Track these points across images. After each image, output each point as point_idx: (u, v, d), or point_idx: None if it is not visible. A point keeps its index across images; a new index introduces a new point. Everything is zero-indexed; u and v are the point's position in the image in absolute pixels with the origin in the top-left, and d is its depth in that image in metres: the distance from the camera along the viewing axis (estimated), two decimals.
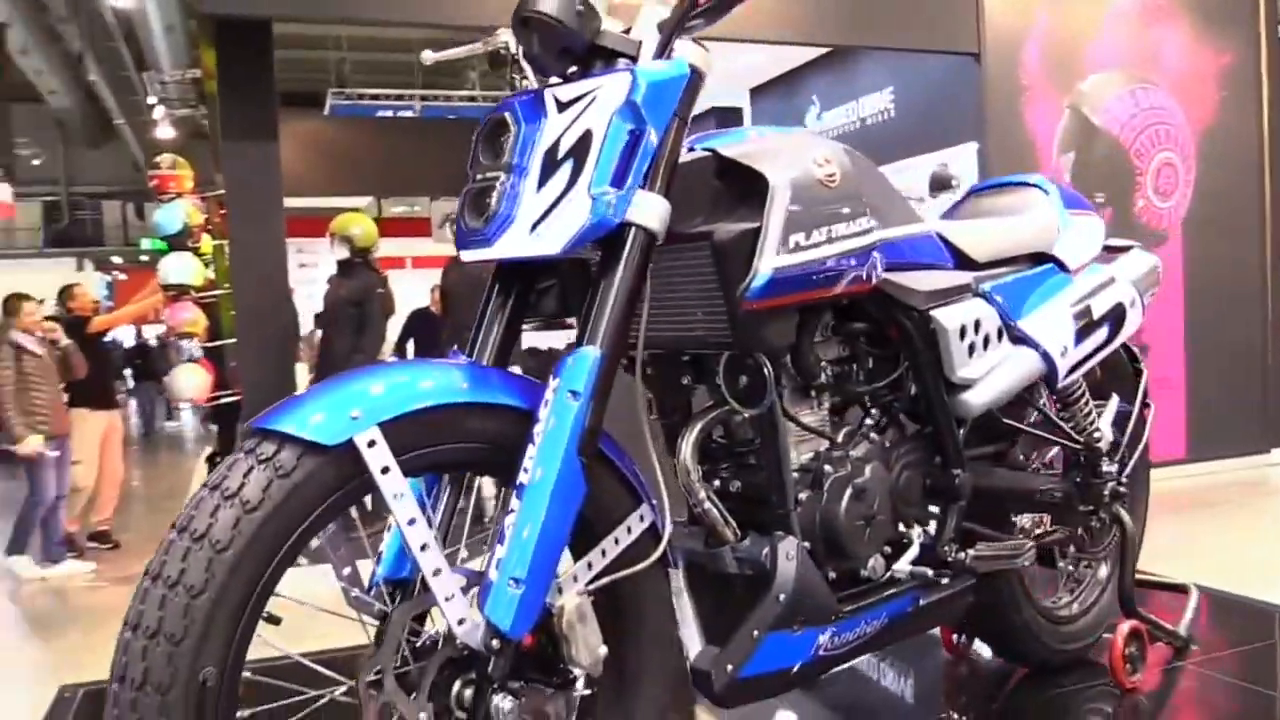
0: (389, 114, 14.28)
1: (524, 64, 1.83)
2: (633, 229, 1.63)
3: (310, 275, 11.54)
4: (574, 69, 1.76)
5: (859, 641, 2.00)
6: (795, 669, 1.89)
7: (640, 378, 1.90)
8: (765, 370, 1.85)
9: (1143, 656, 2.59)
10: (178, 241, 7.34)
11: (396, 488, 1.46)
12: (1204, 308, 7.31)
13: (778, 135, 1.93)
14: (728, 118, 9.86)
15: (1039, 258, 2.45)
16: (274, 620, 1.46)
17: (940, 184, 7.16)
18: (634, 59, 1.72)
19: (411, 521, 1.48)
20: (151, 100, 15.66)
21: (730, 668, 1.79)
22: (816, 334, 1.99)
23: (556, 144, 1.67)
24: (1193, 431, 7.30)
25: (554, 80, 1.78)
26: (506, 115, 1.75)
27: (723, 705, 1.86)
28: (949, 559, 2.14)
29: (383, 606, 1.61)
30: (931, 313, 2.07)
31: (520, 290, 1.80)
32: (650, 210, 1.63)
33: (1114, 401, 2.62)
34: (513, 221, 1.66)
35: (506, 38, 1.88)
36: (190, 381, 7.27)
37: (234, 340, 6.39)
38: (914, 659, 3.02)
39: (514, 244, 1.66)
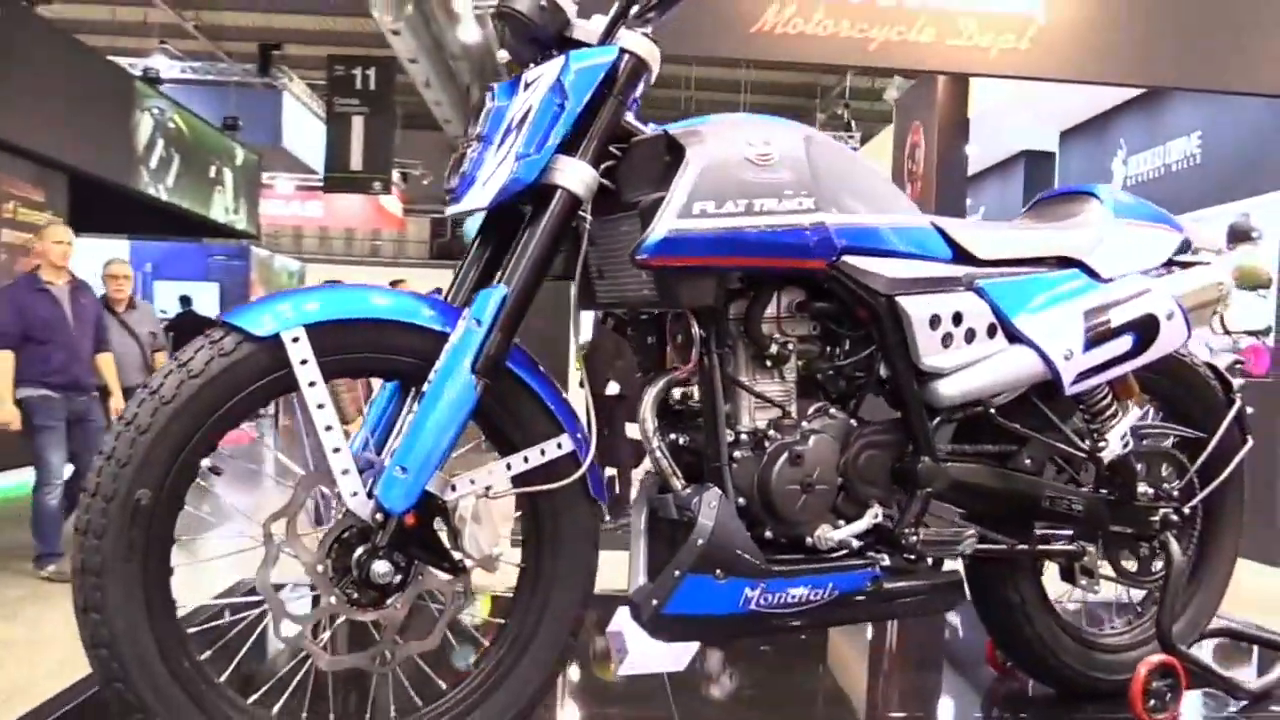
0: None
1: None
2: (558, 190, 1.86)
3: None
4: (552, 56, 1.98)
5: (802, 607, 2.03)
6: (726, 617, 1.97)
7: (574, 332, 2.19)
8: (694, 328, 1.99)
9: (1175, 695, 2.37)
10: None
11: (311, 376, 1.74)
12: None
13: (729, 119, 2.05)
14: (1038, 160, 9.54)
15: (1066, 263, 2.36)
16: (216, 471, 1.82)
17: (1239, 235, 6.62)
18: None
19: (320, 406, 1.75)
20: None
21: (655, 602, 1.93)
22: (778, 308, 2.07)
23: (513, 117, 1.93)
24: None
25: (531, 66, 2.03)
26: (487, 95, 2.04)
27: (653, 636, 2.00)
28: (903, 541, 2.15)
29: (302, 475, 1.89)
30: (898, 299, 2.09)
31: (496, 244, 2.02)
32: (574, 174, 1.85)
33: (1132, 414, 2.44)
34: (474, 181, 1.94)
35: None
36: None
37: None
38: (956, 672, 2.97)
39: (471, 199, 1.94)
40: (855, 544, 2.09)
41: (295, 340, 1.72)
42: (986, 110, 9.27)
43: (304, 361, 1.73)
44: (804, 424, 2.08)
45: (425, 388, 1.79)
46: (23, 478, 8.64)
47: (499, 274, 1.88)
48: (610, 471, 6.89)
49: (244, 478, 1.90)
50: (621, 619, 2.08)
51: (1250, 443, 2.59)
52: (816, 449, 2.05)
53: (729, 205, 1.88)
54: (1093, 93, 7.99)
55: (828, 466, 2.06)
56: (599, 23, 1.97)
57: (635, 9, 1.94)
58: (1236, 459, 2.57)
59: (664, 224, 1.83)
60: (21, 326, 5.73)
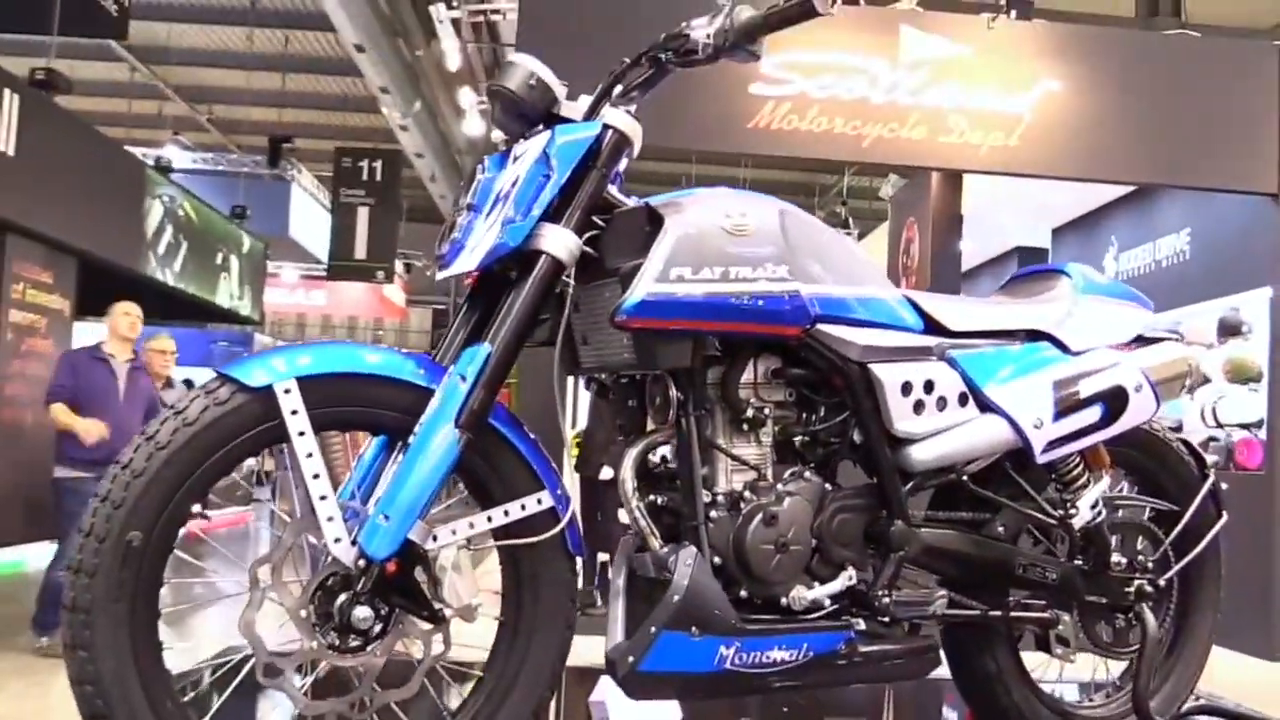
0: None
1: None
2: (542, 256, 1.96)
3: None
4: (540, 132, 2.11)
5: (779, 667, 2.06)
6: (702, 675, 2.01)
7: (557, 388, 2.12)
8: (671, 391, 2.08)
9: None
10: None
11: (300, 427, 1.82)
12: None
13: (709, 192, 2.15)
14: (1031, 257, 9.68)
15: (1035, 335, 2.44)
16: (204, 516, 1.87)
17: (1229, 329, 6.71)
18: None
19: (309, 455, 1.83)
20: None
21: (631, 659, 1.97)
22: (755, 374, 2.15)
23: (501, 188, 2.04)
24: None
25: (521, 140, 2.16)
26: (478, 167, 2.16)
27: (629, 694, 2.03)
28: (876, 603, 2.19)
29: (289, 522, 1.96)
30: (870, 366, 2.16)
31: (485, 307, 2.10)
32: (557, 240, 1.95)
33: (1102, 483, 2.49)
34: (464, 248, 2.03)
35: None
36: None
37: None
38: None
39: (459, 264, 2.03)
40: (829, 604, 2.13)
41: (287, 392, 1.80)
42: (979, 207, 9.43)
43: (294, 412, 1.80)
44: (779, 486, 2.13)
45: (410, 439, 1.86)
46: (17, 555, 8.70)
47: (485, 334, 1.96)
48: (603, 557, 6.89)
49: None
50: (604, 688, 2.12)
51: (1225, 518, 2.64)
52: (791, 510, 2.10)
53: (705, 271, 1.96)
54: (1083, 191, 8.14)
55: (802, 528, 2.11)
56: (585, 103, 2.08)
57: (619, 88, 2.07)
58: (1211, 533, 2.61)
59: (642, 287, 1.92)
60: (74, 390, 5.76)
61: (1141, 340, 2.56)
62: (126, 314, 6.05)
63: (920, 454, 2.22)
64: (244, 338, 19.92)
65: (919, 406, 2.21)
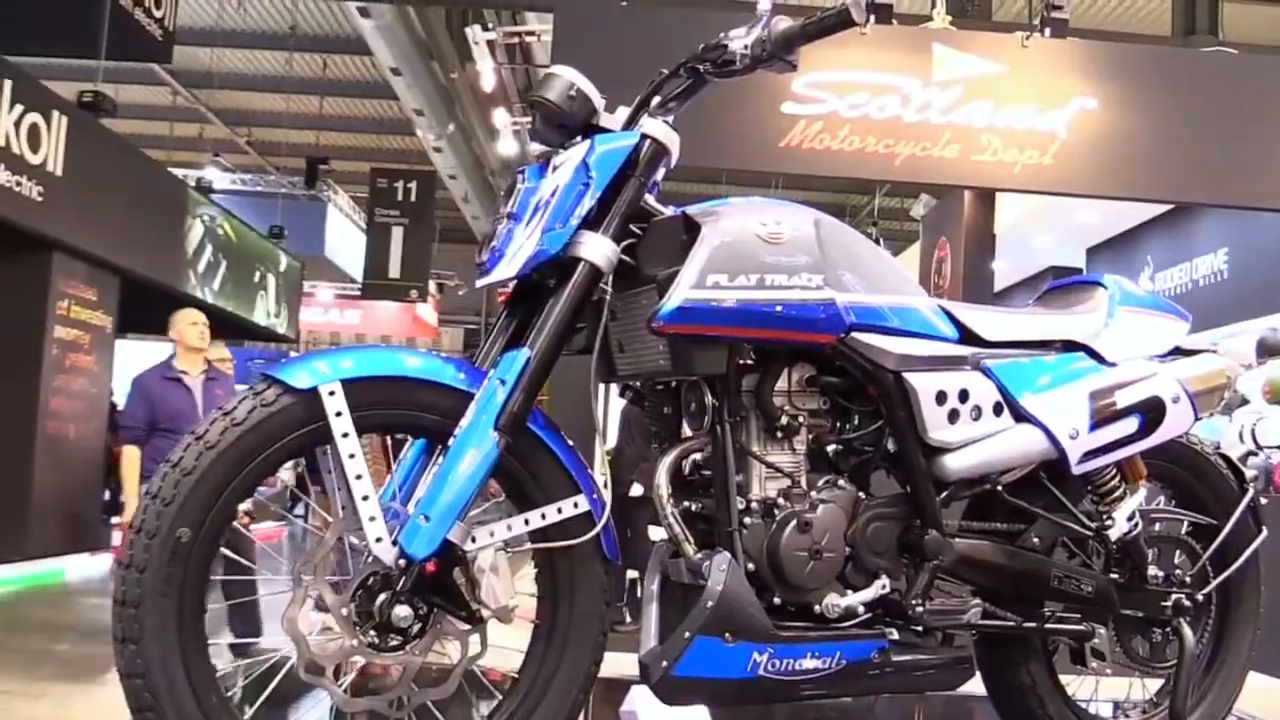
0: None
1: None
2: (581, 263, 1.98)
3: None
4: (579, 141, 2.14)
5: (811, 675, 2.07)
6: (734, 681, 2.02)
7: (595, 398, 2.22)
8: (706, 397, 2.09)
9: None
10: None
11: (344, 428, 1.85)
12: None
13: (745, 201, 2.17)
14: (1063, 276, 9.61)
15: (1072, 346, 2.43)
16: (250, 515, 1.90)
17: (1269, 349, 6.64)
18: None
19: (352, 456, 1.86)
20: None
21: (665, 664, 1.97)
22: (789, 381, 2.16)
23: (541, 197, 2.07)
24: None
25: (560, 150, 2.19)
26: (518, 176, 2.19)
27: (661, 700, 2.04)
28: (909, 612, 2.18)
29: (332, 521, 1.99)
30: (905, 375, 2.17)
31: (524, 313, 2.13)
32: (596, 248, 1.98)
33: (1140, 493, 2.47)
34: (503, 255, 2.06)
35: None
36: None
37: None
38: None
39: (499, 272, 2.06)
40: (862, 613, 2.13)
41: (331, 394, 1.84)
42: (1012, 226, 9.42)
43: (339, 414, 1.84)
44: (813, 494, 2.14)
45: (451, 442, 1.89)
46: (57, 565, 8.82)
47: (524, 340, 1.99)
48: (632, 574, 6.90)
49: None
50: (635, 699, 2.13)
51: (1264, 533, 2.61)
52: (824, 517, 2.11)
53: (741, 279, 1.99)
54: (1118, 210, 8.12)
55: (835, 535, 2.12)
56: (623, 114, 2.13)
57: (657, 99, 2.11)
58: (1251, 548, 2.59)
59: (679, 293, 1.94)
60: (150, 420, 5.38)
61: (1179, 352, 2.55)
62: (194, 323, 5.68)
63: (954, 463, 2.21)
64: (280, 355, 20.16)
65: (954, 415, 2.21)
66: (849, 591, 2.14)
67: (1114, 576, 2.44)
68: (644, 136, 2.05)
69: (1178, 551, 2.53)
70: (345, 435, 1.85)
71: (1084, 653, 2.43)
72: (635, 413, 7.38)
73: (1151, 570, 2.45)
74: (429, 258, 17.32)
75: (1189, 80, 6.44)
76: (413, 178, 16.41)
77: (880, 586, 2.15)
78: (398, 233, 16.32)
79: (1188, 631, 2.44)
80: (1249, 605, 2.68)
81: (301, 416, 1.84)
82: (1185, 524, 2.59)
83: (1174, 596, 2.45)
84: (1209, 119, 6.31)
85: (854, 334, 2.10)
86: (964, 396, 2.22)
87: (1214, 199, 6.66)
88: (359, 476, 1.85)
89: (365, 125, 18.50)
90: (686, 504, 2.15)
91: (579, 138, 2.10)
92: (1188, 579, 2.50)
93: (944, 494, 2.25)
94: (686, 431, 2.20)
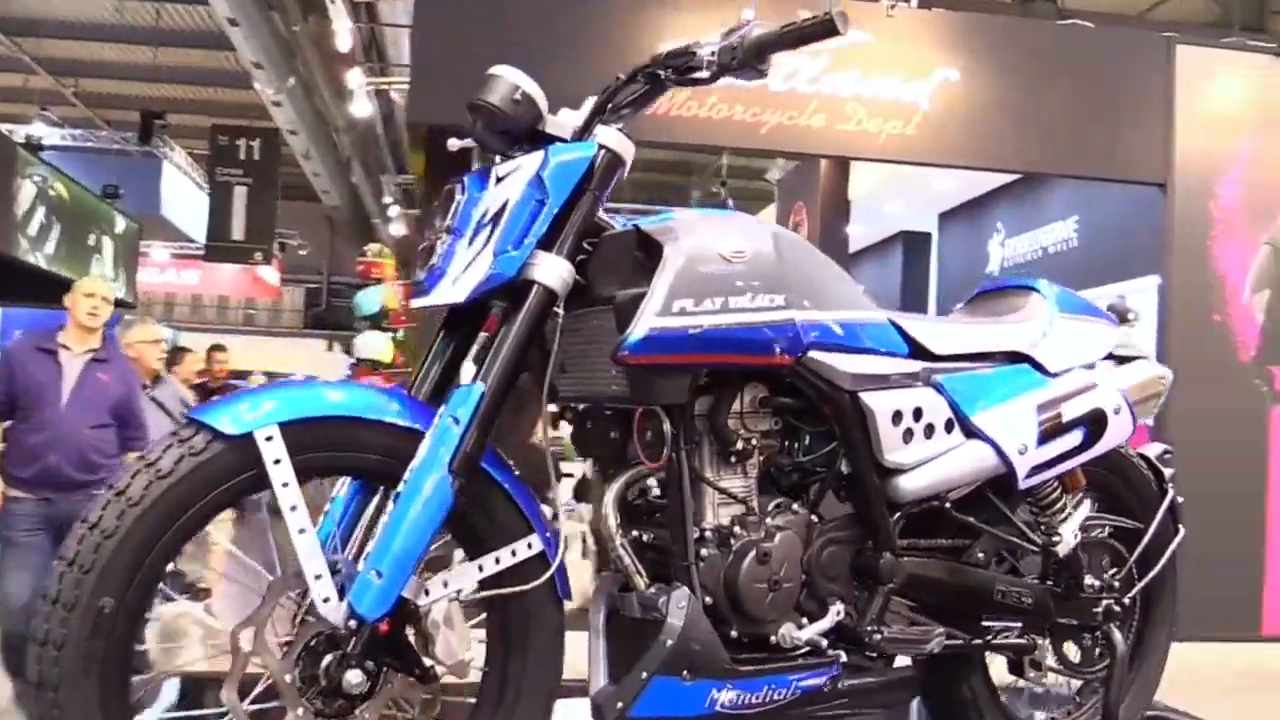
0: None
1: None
2: (534, 286, 1.86)
3: None
4: (525, 150, 1.99)
5: (767, 707, 2.03)
6: (690, 719, 1.96)
7: (546, 426, 2.11)
8: (665, 427, 1.98)
9: None
10: (375, 321, 7.97)
11: (285, 477, 1.69)
12: None
13: (699, 215, 2.09)
14: (916, 241, 9.83)
15: (1015, 357, 2.42)
16: (180, 575, 1.69)
17: (1118, 316, 6.86)
18: (568, 142, 1.98)
19: (293, 508, 1.70)
20: (387, 200, 17.04)
21: (620, 705, 1.91)
22: (741, 403, 2.08)
23: (486, 211, 1.93)
24: None
25: (502, 159, 2.04)
26: (457, 186, 2.03)
27: None
28: (866, 639, 2.16)
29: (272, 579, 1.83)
30: (861, 395, 2.12)
31: (462, 337, 2.03)
32: (551, 270, 1.86)
33: (1084, 508, 2.51)
34: (445, 275, 1.92)
35: None
36: None
37: None
38: None
39: (441, 294, 1.92)
40: (823, 644, 2.08)
41: (269, 439, 1.68)
42: (867, 192, 9.55)
43: (277, 461, 1.68)
44: (768, 520, 2.08)
45: (401, 488, 1.75)
46: None
47: (476, 370, 1.86)
48: None
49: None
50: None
51: (1182, 532, 2.67)
52: (782, 546, 2.05)
53: (706, 303, 1.90)
54: (970, 177, 8.29)
55: (793, 564, 2.07)
56: (568, 116, 2.00)
57: (611, 105, 1.98)
58: (1171, 548, 2.64)
59: (645, 322, 1.84)
60: (10, 394, 4.39)
61: (1112, 358, 2.56)
62: (89, 295, 4.61)
63: (909, 484, 2.18)
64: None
65: (908, 435, 2.18)
66: (804, 620, 2.09)
67: (1051, 586, 2.46)
68: (601, 147, 1.92)
69: (1106, 557, 2.57)
70: (286, 485, 1.69)
71: (1022, 663, 2.45)
72: None
73: (1087, 579, 2.47)
74: (274, 219, 16.70)
75: (1046, 53, 6.55)
76: (256, 135, 15.75)
77: (836, 613, 2.11)
78: (240, 193, 15.67)
79: (1118, 636, 2.48)
80: (1166, 604, 2.75)
81: (234, 464, 1.68)
82: (1107, 528, 2.63)
83: (1104, 602, 2.49)
84: (1065, 91, 6.45)
85: (811, 353, 2.04)
86: (918, 415, 2.19)
87: (1069, 170, 6.84)
88: (302, 531, 1.70)
89: (202, 77, 17.68)
90: (635, 533, 2.07)
91: (523, 145, 1.96)
92: (1115, 584, 2.54)
93: (896, 514, 2.21)
94: (641, 458, 2.09)
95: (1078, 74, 6.49)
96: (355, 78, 12.56)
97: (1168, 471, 2.70)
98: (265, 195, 16.12)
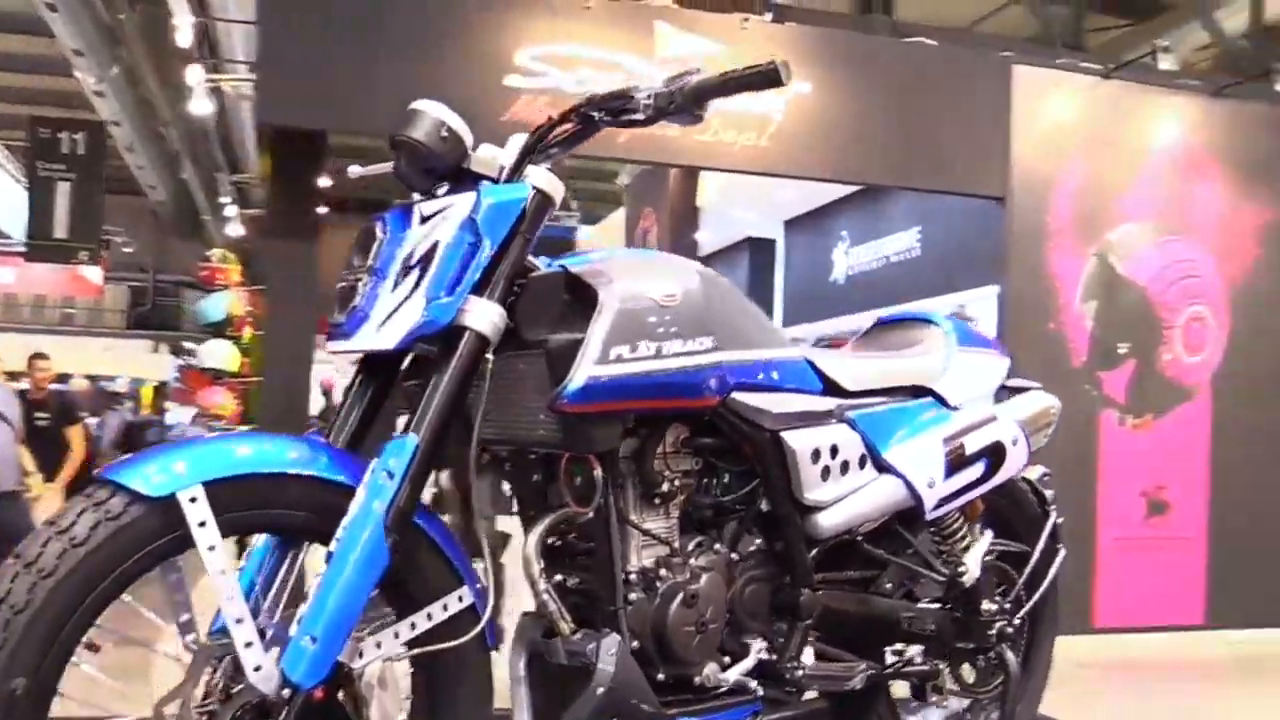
0: None
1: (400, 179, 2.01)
2: (467, 332, 1.81)
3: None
4: (447, 188, 1.96)
5: None
6: None
7: (472, 470, 1.99)
8: (596, 473, 1.96)
9: None
10: (219, 329, 7.71)
11: (211, 540, 1.60)
12: (1231, 468, 7.11)
13: (628, 256, 2.09)
14: (762, 247, 10.00)
15: (920, 391, 2.47)
16: (93, 648, 1.61)
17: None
18: (496, 181, 1.93)
19: (221, 572, 1.61)
20: (223, 199, 16.50)
21: None
22: (664, 444, 2.07)
23: (412, 252, 1.87)
24: (1212, 597, 7.04)
25: (426, 197, 1.99)
26: (377, 225, 1.96)
27: None
28: (787, 675, 2.17)
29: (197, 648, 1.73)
30: (782, 434, 2.14)
31: (380, 382, 1.96)
32: (483, 316, 1.81)
33: (986, 537, 2.61)
34: (368, 319, 1.85)
35: None
36: None
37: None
38: None
39: (365, 339, 1.84)
40: (753, 685, 2.10)
41: (193, 500, 1.59)
42: (714, 198, 9.67)
43: (203, 523, 1.59)
44: (691, 561, 2.07)
45: (334, 547, 1.67)
46: None
47: (408, 421, 1.80)
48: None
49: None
50: None
51: (1064, 552, 2.77)
52: (709, 587, 2.05)
53: (642, 349, 1.89)
54: (815, 186, 8.45)
55: (719, 605, 2.07)
56: (490, 151, 1.95)
57: (541, 144, 1.96)
58: (1054, 568, 2.75)
59: (584, 371, 1.82)
60: None
61: (1005, 390, 2.66)
62: None
63: (827, 520, 2.21)
64: None
65: (826, 473, 2.21)
66: (726, 659, 2.10)
67: (950, 612, 2.53)
68: (534, 189, 1.89)
69: (998, 580, 2.65)
70: (212, 548, 1.59)
71: (924, 687, 2.51)
72: None
73: (985, 604, 2.55)
74: (101, 217, 15.91)
75: (893, 69, 6.74)
76: (80, 128, 14.96)
77: (758, 651, 2.13)
78: (64, 189, 14.86)
79: (1011, 656, 2.57)
80: (1050, 619, 2.86)
81: (156, 528, 1.58)
82: (997, 551, 2.72)
83: (998, 624, 2.57)
84: (910, 107, 6.65)
85: (735, 394, 2.05)
86: (834, 452, 2.22)
87: (914, 184, 7.05)
88: (230, 598, 1.61)
89: (19, 64, 16.79)
90: (559, 577, 2.04)
91: (447, 183, 1.92)
92: (1007, 606, 2.61)
93: (813, 550, 2.24)
94: (568, 501, 2.06)
95: (923, 90, 6.70)
96: (194, 74, 12.05)
97: (1049, 494, 2.80)
98: (90, 192, 15.29)
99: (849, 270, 8.70)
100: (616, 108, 1.94)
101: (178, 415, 16.54)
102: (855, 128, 6.60)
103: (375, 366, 1.97)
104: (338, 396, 9.25)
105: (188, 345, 24.09)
